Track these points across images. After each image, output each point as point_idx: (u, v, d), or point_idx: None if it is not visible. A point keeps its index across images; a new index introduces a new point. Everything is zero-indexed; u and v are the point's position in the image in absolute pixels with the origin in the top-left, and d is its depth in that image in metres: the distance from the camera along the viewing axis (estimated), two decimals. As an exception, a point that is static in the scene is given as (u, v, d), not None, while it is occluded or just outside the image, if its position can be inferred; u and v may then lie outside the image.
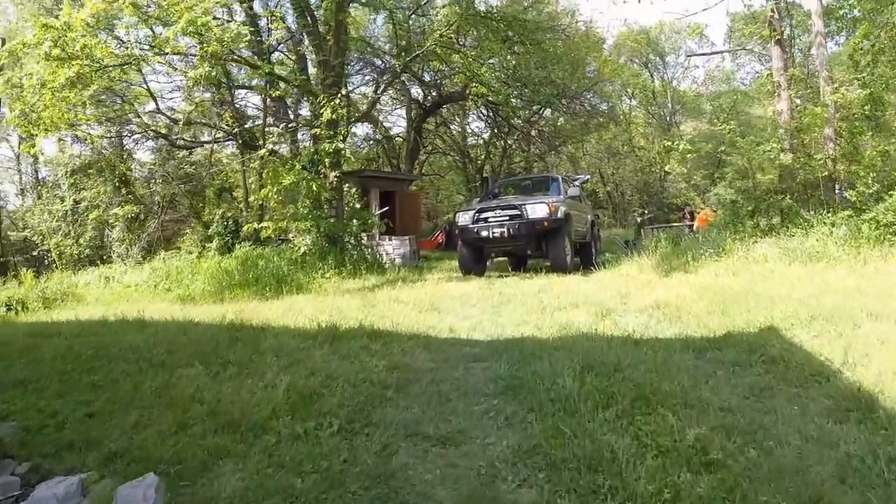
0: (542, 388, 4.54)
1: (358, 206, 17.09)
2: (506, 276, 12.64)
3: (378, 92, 23.59)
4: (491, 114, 29.39)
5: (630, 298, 8.63)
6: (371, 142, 33.87)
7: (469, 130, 37.11)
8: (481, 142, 35.95)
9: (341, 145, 13.71)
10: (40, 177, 25.91)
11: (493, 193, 15.92)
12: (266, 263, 13.74)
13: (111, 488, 3.31)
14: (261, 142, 15.01)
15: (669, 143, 13.61)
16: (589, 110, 27.68)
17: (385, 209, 18.29)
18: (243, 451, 3.88)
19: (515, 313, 7.88)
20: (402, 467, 3.58)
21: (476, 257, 13.75)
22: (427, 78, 28.45)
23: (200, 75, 11.71)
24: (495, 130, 31.77)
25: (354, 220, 15.18)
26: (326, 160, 14.25)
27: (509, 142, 31.87)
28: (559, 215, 12.74)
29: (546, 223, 12.51)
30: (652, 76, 45.77)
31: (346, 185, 18.93)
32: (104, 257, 20.91)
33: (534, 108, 27.95)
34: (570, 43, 23.98)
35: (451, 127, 35.19)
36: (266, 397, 4.71)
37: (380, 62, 28.57)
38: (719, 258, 10.86)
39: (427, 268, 16.51)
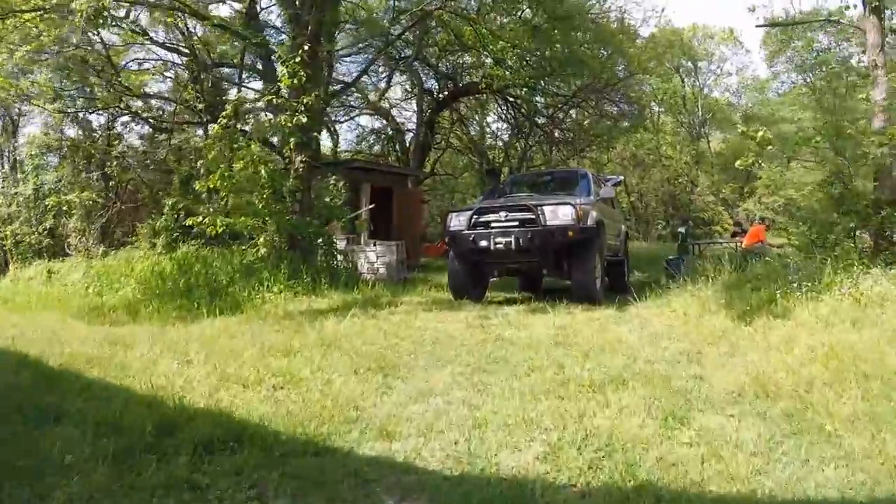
0: None
1: (338, 201, 13.62)
2: (510, 305, 8.94)
3: (371, 61, 19.82)
4: (511, 111, 25.85)
5: (706, 364, 5.04)
6: (382, 136, 30.36)
7: (488, 131, 33.65)
8: (500, 143, 32.47)
9: (304, 118, 10.20)
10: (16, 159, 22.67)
11: (502, 191, 11.71)
12: (203, 269, 10.41)
13: None
14: (232, 122, 11.59)
15: (745, 130, 9.89)
16: (619, 109, 23.98)
17: (370, 207, 14.68)
18: None
19: (512, 393, 4.27)
20: None
21: (472, 276, 9.86)
22: (443, 69, 25.07)
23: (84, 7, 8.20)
24: (515, 130, 28.21)
25: (336, 220, 11.81)
26: (291, 141, 10.81)
27: (530, 142, 28.24)
28: (589, 223, 8.96)
29: (571, 233, 8.62)
30: (683, 81, 41.99)
31: (333, 178, 15.55)
32: (63, 248, 17.66)
33: (558, 104, 24.40)
34: (600, 31, 20.36)
35: (470, 127, 31.70)
36: None
37: (394, 51, 25.48)
38: (816, 294, 7.22)
39: (417, 282, 12.93)
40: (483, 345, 5.93)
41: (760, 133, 8.52)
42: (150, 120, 17.59)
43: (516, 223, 8.97)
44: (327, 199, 11.90)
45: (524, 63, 18.33)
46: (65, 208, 17.52)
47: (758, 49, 49.40)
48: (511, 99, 24.44)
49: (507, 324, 6.94)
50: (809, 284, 7.34)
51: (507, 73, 17.29)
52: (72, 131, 20.03)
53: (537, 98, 23.82)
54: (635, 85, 24.93)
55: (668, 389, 4.23)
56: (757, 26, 38.05)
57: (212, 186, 10.88)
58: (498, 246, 8.80)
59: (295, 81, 10.03)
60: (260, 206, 10.64)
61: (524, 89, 20.79)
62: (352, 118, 29.72)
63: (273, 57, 13.07)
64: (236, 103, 11.34)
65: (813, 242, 8.84)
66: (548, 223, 8.71)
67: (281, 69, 10.15)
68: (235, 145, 10.50)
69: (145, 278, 11.06)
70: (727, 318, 6.72)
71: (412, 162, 23.59)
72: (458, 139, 31.52)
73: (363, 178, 15.75)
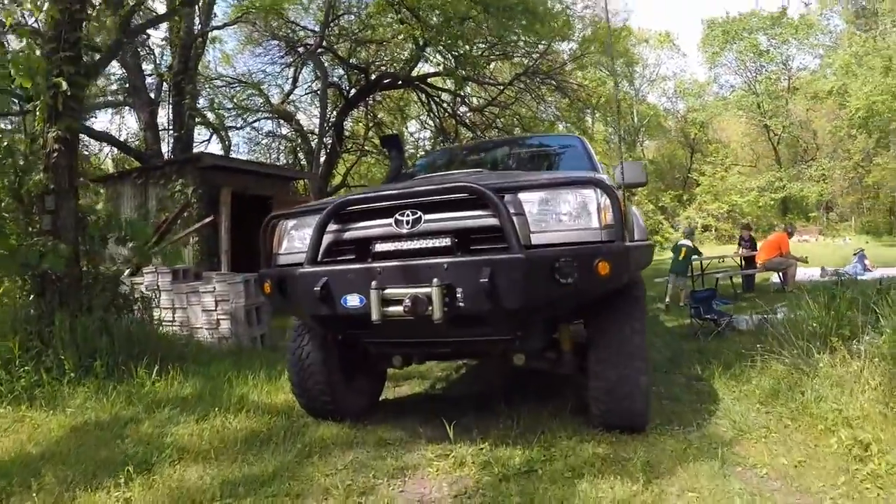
0: None
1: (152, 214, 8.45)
2: (433, 445, 3.40)
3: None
4: (435, 110, 21.18)
5: None
6: (283, 142, 25.22)
7: (410, 140, 29.06)
8: (422, 152, 27.92)
9: (35, 51, 5.05)
10: None
11: (411, 174, 5.19)
12: None
13: None
14: None
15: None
16: (565, 98, 19.49)
17: (206, 221, 9.27)
18: None
19: None
20: None
21: (344, 367, 3.88)
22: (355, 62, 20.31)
23: None
24: (440, 135, 23.57)
25: (136, 243, 6.75)
26: (37, 105, 5.71)
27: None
28: (637, 236, 3.64)
29: (603, 266, 2.64)
30: (617, 85, 38.49)
31: (181, 181, 10.39)
32: None
33: (491, 98, 19.99)
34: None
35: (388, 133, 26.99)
36: None
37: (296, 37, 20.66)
38: None
39: (275, 351, 7.73)
40: None
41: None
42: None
43: (446, 241, 3.06)
44: (98, 208, 6.58)
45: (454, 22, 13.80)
46: None
47: (696, 52, 46.92)
48: (433, 94, 19.97)
49: None
50: None
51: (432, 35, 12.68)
52: None
53: (467, 89, 19.51)
54: (588, 67, 21.16)
55: None
56: None
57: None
58: (392, 310, 2.93)
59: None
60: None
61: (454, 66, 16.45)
62: (250, 124, 24.65)
63: None
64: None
65: None
66: (534, 237, 2.95)
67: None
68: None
69: None
70: None
71: (315, 168, 18.45)
72: (375, 147, 26.67)
73: (224, 182, 10.54)
